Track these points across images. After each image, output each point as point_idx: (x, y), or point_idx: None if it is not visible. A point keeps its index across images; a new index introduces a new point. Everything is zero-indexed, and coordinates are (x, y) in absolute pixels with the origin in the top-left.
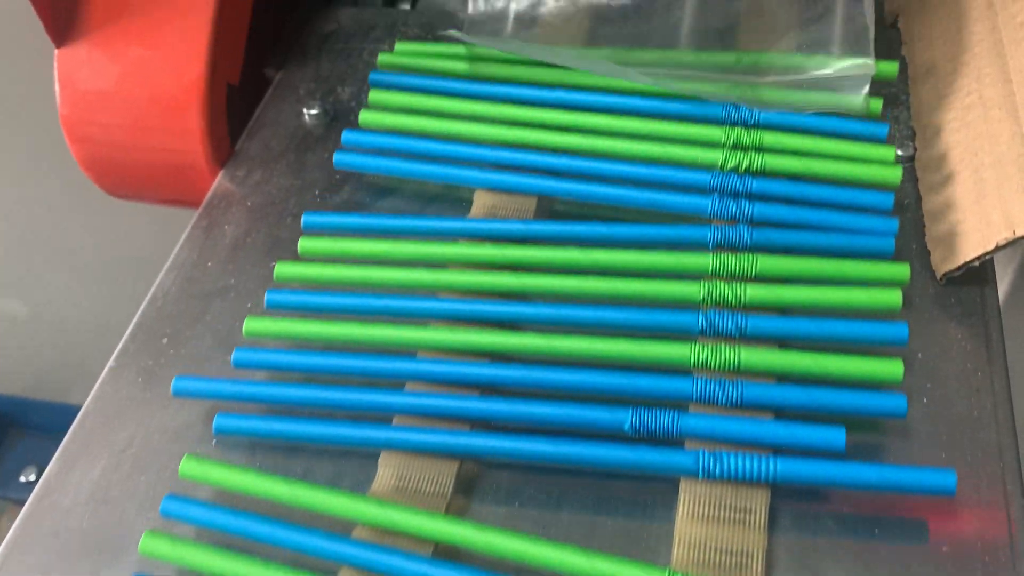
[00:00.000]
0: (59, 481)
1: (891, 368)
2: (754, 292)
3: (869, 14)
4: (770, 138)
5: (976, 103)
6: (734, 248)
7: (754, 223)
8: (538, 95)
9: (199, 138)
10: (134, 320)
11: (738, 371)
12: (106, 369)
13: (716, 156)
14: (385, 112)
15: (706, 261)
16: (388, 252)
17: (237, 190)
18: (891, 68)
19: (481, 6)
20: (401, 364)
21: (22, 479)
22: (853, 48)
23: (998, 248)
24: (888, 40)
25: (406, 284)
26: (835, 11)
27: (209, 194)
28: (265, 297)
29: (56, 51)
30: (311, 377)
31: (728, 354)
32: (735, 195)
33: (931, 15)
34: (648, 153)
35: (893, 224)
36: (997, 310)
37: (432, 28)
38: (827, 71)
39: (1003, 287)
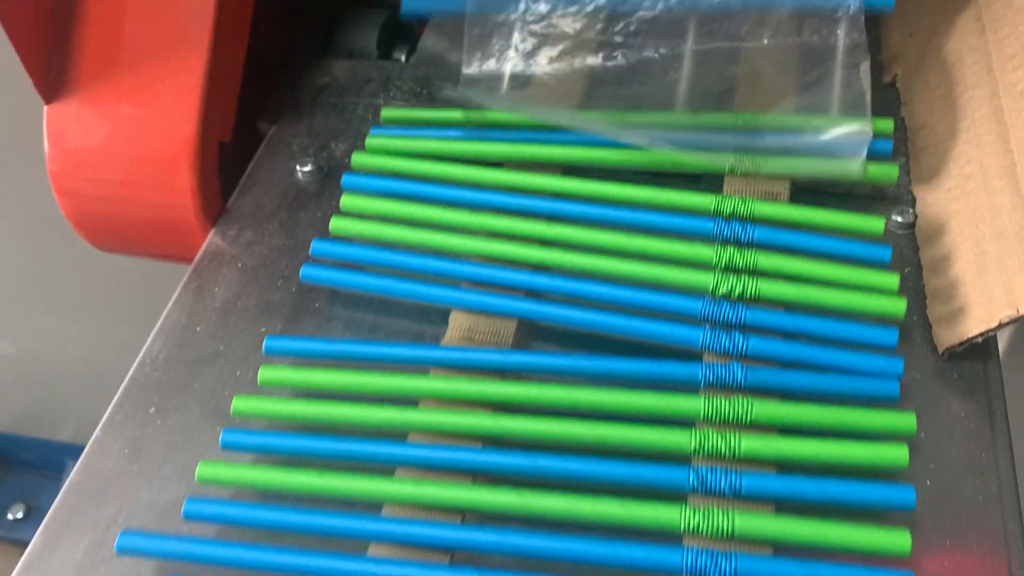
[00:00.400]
0: (41, 560)
1: (898, 541)
2: (749, 444)
3: (866, 80)
4: (764, 260)
5: (977, 172)
6: (727, 389)
7: (748, 359)
8: (520, 203)
9: (190, 197)
10: (121, 388)
11: (732, 539)
12: (92, 439)
13: (707, 279)
14: (356, 220)
15: (697, 405)
16: (354, 385)
17: (228, 250)
18: (892, 171)
19: (476, 66)
20: (364, 524)
21: (9, 516)
22: (851, 113)
23: (1001, 326)
24: (887, 100)
25: (373, 424)
26: (833, 77)
27: (199, 254)
28: (220, 437)
29: (45, 107)
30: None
31: (721, 520)
32: (727, 326)
33: (929, 76)
34: (636, 273)
35: (898, 365)
36: (1000, 386)
37: (427, 82)
38: (823, 135)
39: (1000, 345)
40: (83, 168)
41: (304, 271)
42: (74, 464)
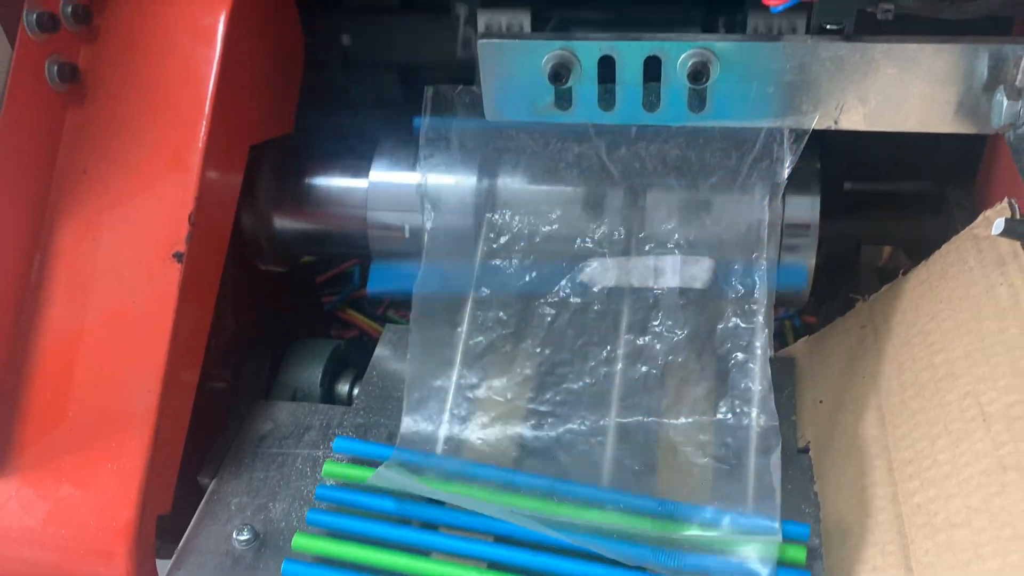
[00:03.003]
0: None
1: None
2: None
3: (776, 473)
4: None
5: None
6: None
7: None
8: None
9: None
10: None
11: None
12: None
13: None
14: None
15: None
16: None
17: None
18: None
19: (412, 426)
20: None
21: None
22: (761, 510)
23: None
24: (801, 468)
25: None
26: (747, 466)
27: None
28: None
29: None
30: None
31: None
32: None
33: (839, 458)
34: None
35: None
36: None
37: (366, 430)
38: (735, 547)
39: None
40: (18, 546)
41: None
42: None
